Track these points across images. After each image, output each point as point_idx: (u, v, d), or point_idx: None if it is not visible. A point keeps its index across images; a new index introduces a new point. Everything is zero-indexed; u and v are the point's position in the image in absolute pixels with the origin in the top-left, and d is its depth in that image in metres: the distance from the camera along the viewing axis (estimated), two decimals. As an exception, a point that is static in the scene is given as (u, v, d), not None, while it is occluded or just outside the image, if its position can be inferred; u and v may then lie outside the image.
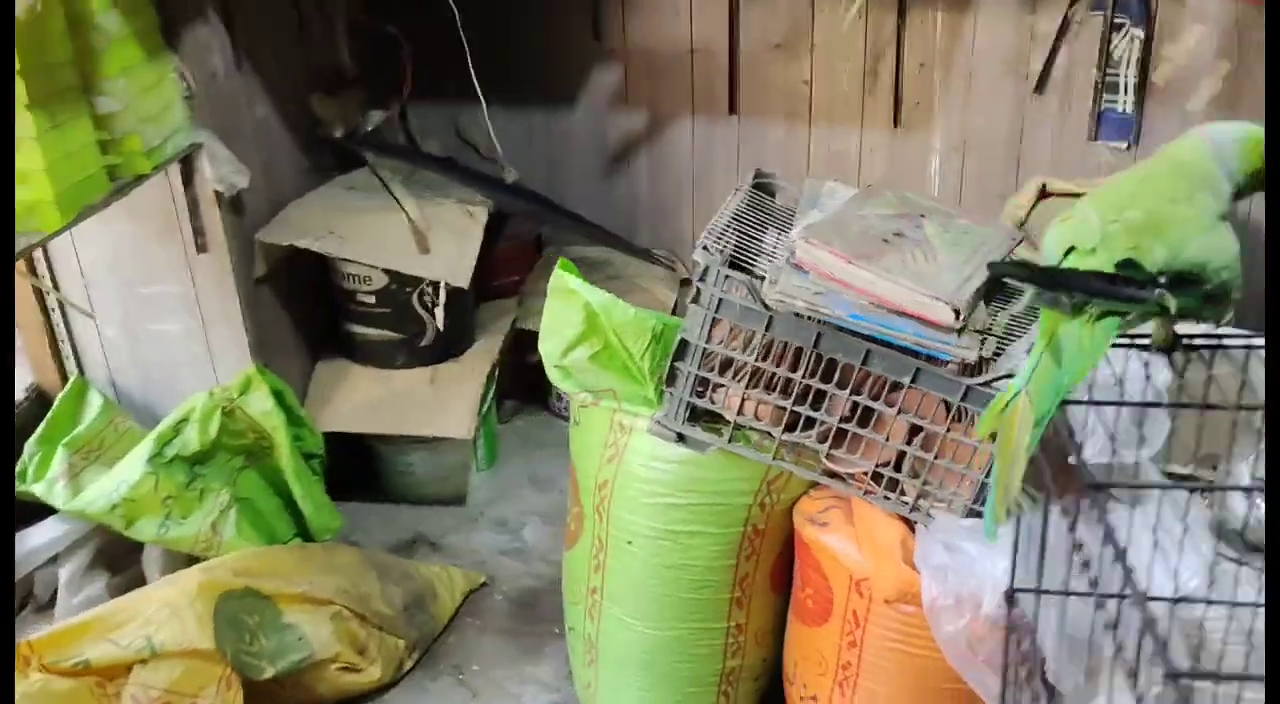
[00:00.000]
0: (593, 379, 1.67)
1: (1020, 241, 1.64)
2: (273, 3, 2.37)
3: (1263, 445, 1.56)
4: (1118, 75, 2.46)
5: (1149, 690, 1.18)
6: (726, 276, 1.46)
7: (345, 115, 2.58)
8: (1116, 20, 2.42)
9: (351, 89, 2.63)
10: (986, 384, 1.43)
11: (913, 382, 1.46)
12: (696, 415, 1.61)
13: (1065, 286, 1.10)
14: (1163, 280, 1.07)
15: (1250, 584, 1.45)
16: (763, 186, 1.70)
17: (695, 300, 1.50)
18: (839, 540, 1.61)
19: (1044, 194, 2.46)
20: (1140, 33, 2.41)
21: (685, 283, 2.86)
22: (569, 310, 1.61)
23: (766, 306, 1.45)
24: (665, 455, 1.66)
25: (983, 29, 2.49)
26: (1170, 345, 1.17)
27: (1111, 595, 1.07)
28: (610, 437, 1.70)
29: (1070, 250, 1.13)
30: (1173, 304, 1.08)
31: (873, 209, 1.58)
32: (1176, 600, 1.28)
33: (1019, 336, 1.53)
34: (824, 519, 1.65)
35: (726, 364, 1.56)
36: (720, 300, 1.48)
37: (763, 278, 1.47)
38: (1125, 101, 2.48)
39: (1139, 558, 1.46)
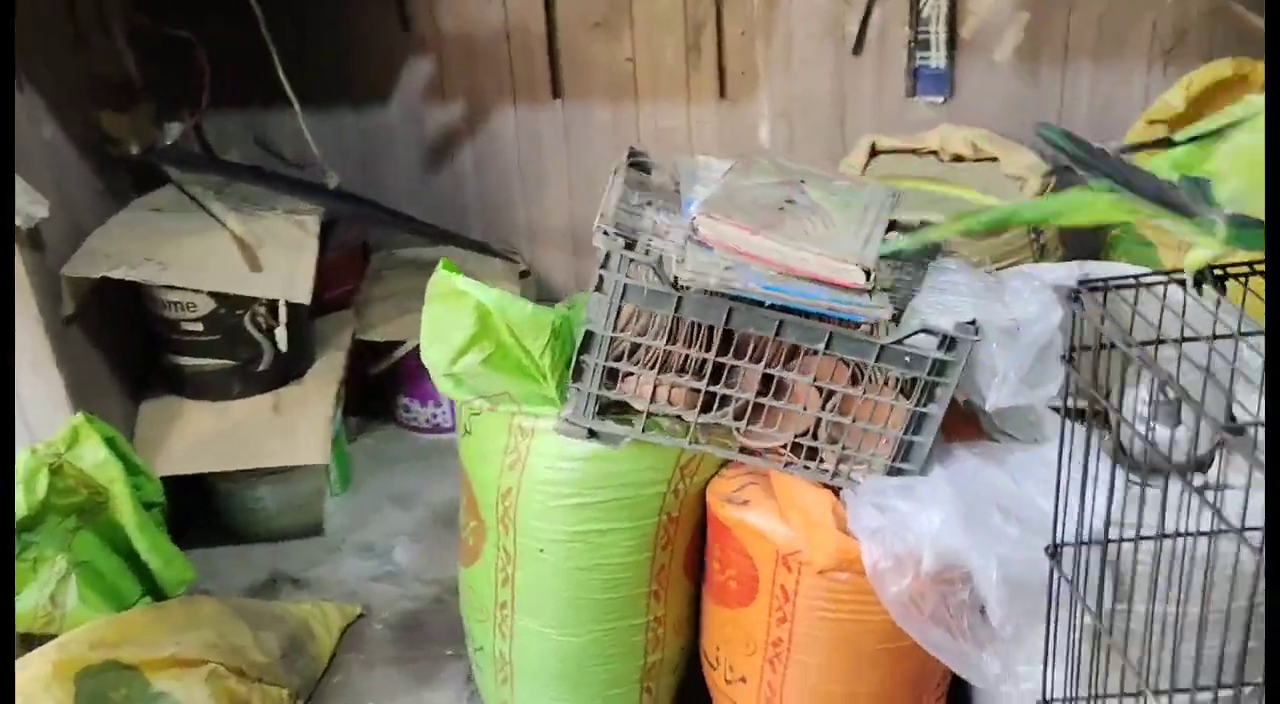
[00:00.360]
0: (486, 384, 1.57)
1: (897, 197, 1.65)
2: (44, 10, 2.12)
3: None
4: (929, 32, 2.54)
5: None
6: (631, 260, 1.39)
7: (139, 131, 2.35)
8: (923, -21, 2.49)
9: (142, 101, 2.40)
10: (900, 341, 1.43)
11: (827, 347, 1.44)
12: (605, 408, 1.54)
13: (1103, 171, 1.09)
14: (1226, 210, 1.05)
15: (1170, 508, 1.51)
16: (638, 166, 1.64)
17: (599, 288, 1.43)
18: (763, 517, 1.58)
19: (874, 152, 2.52)
20: (946, -11, 2.49)
21: (524, 274, 2.78)
22: (456, 312, 1.50)
23: (676, 287, 1.40)
24: (572, 454, 1.58)
25: (800, -5, 2.52)
26: (1200, 278, 1.17)
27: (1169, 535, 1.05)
28: (510, 442, 1.61)
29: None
30: (1220, 234, 1.07)
31: (757, 179, 1.54)
32: None
33: (915, 292, 1.53)
34: (742, 498, 1.61)
35: (633, 351, 1.50)
36: (625, 286, 1.41)
37: (663, 259, 1.41)
38: (938, 57, 2.56)
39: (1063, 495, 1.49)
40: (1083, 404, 1.76)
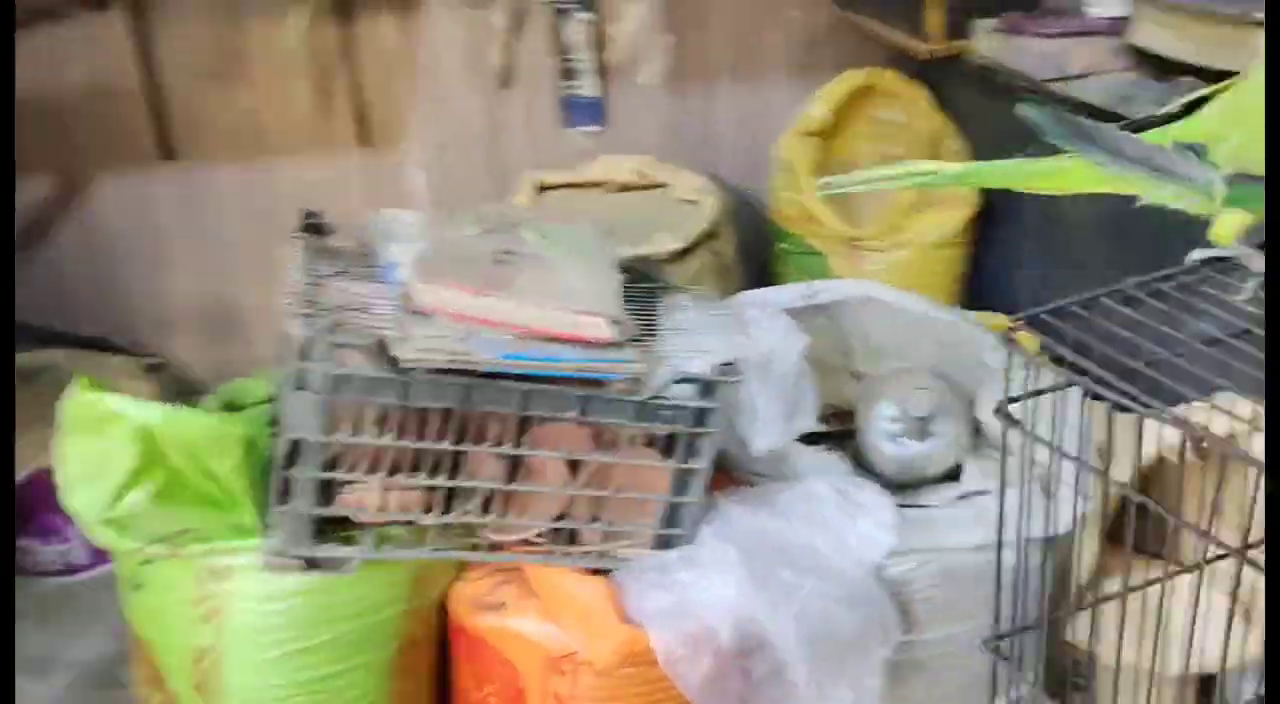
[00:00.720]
0: (160, 523, 1.23)
1: (609, 232, 1.49)
2: None
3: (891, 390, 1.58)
4: (576, 60, 2.42)
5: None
6: (339, 345, 1.13)
7: None
8: (562, 6, 2.37)
9: None
10: (658, 396, 1.26)
11: (582, 413, 1.24)
12: (322, 528, 1.25)
13: (1094, 144, 1.03)
14: (1224, 171, 0.99)
15: (939, 527, 1.45)
16: (313, 229, 1.37)
17: (301, 386, 1.15)
18: (524, 619, 1.35)
19: (540, 190, 2.37)
20: (587, 16, 2.39)
21: (154, 368, 2.36)
22: (110, 441, 1.16)
23: (399, 370, 1.15)
24: (286, 591, 1.28)
25: (437, 30, 2.31)
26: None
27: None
28: (200, 590, 1.28)
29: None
30: (1219, 194, 1.01)
31: (465, 229, 1.33)
32: None
33: (655, 337, 1.38)
34: (496, 601, 1.38)
35: (350, 454, 1.22)
36: (337, 377, 1.14)
37: (379, 338, 1.16)
38: (588, 85, 2.45)
39: (846, 525, 1.40)
40: (828, 427, 1.69)
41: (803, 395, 1.42)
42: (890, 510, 1.42)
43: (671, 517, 1.36)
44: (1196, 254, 1.10)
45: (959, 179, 1.22)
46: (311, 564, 1.25)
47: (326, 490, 1.23)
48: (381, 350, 1.14)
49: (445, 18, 2.32)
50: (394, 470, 1.23)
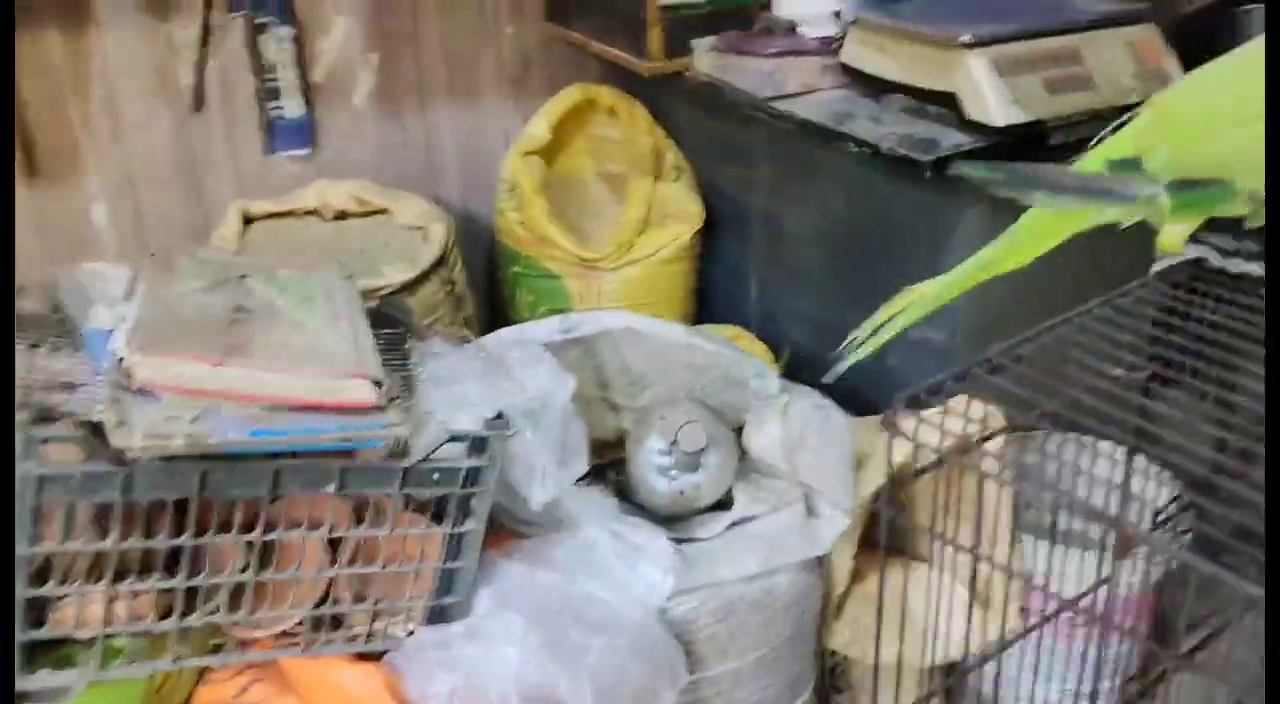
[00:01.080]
0: None
1: (351, 276, 1.36)
2: None
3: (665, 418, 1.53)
4: (277, 79, 2.23)
5: None
6: (45, 440, 0.93)
7: None
8: (259, 21, 2.17)
9: None
10: (425, 459, 1.15)
11: (342, 486, 1.11)
12: (33, 653, 1.05)
13: (1034, 186, 0.99)
14: (1163, 180, 0.97)
15: (716, 560, 1.41)
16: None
17: None
18: (288, 722, 1.20)
19: (248, 220, 2.17)
20: (287, 31, 2.20)
21: None
22: None
23: (123, 462, 0.97)
24: (-13, 731, 1.06)
25: (113, 46, 2.05)
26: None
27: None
28: (-128, 745, 1.03)
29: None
30: (1165, 205, 0.98)
31: (184, 285, 1.15)
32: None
33: (413, 390, 1.26)
34: (248, 702, 1.22)
35: (67, 562, 1.03)
36: (41, 477, 0.95)
37: (93, 425, 0.97)
38: (293, 106, 2.26)
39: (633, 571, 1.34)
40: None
41: (574, 438, 1.35)
42: (668, 551, 1.38)
43: (446, 585, 1.25)
44: (1157, 266, 1.13)
45: (951, 290, 1.18)
46: (19, 698, 1.04)
47: (35, 608, 1.03)
48: (98, 440, 0.95)
49: (123, 32, 2.06)
50: (120, 575, 1.05)
